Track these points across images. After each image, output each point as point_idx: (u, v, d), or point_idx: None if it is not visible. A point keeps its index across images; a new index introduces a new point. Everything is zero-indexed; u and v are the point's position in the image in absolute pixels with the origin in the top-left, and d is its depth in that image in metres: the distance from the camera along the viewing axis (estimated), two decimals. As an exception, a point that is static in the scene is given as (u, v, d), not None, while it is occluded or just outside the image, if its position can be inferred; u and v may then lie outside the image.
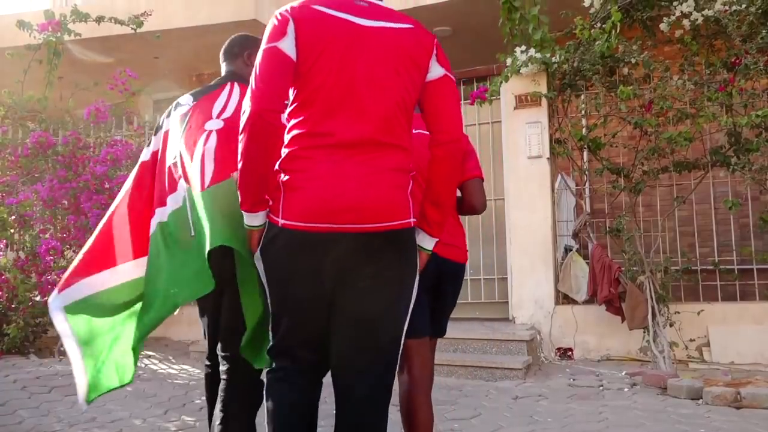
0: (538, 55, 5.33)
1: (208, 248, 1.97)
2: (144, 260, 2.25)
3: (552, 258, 5.41)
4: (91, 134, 6.70)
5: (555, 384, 4.47)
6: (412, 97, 1.86)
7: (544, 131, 5.48)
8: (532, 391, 4.26)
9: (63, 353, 5.64)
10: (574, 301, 5.39)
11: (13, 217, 6.02)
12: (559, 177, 5.93)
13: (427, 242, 1.93)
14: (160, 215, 2.25)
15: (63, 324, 2.26)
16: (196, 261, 2.03)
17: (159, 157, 2.41)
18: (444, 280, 2.39)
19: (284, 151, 1.81)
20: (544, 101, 5.47)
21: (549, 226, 5.43)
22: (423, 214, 1.90)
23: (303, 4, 1.83)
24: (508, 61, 5.48)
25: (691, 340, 5.02)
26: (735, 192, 5.39)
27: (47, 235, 6.01)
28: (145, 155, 2.48)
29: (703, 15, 4.92)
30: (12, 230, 6.17)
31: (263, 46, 1.80)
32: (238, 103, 2.27)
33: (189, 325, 6.58)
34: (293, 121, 1.83)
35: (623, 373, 4.64)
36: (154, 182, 2.37)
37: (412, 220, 1.84)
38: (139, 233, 2.33)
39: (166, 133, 2.45)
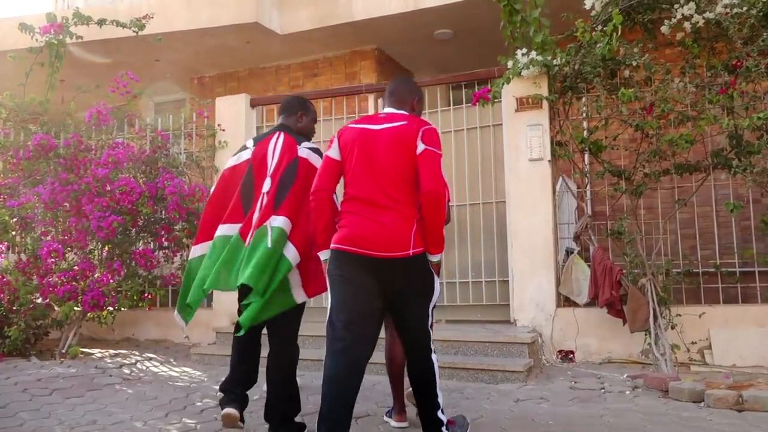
0: (539, 58, 5.34)
1: (241, 281, 3.08)
2: (197, 248, 3.44)
3: (553, 260, 5.41)
4: (92, 137, 6.71)
5: (556, 387, 4.46)
6: (409, 168, 2.90)
7: (545, 134, 5.48)
8: (533, 394, 4.25)
9: (64, 355, 5.65)
10: (575, 304, 5.39)
11: (15, 219, 6.02)
12: (560, 179, 5.92)
13: (432, 257, 2.93)
14: (222, 230, 3.32)
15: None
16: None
17: (235, 177, 3.41)
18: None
19: (341, 209, 3.01)
20: (545, 104, 5.47)
21: (550, 229, 5.43)
22: (426, 238, 2.88)
23: (345, 126, 3.11)
24: (509, 63, 5.48)
25: (692, 343, 5.02)
26: (736, 194, 5.38)
27: (49, 238, 6.02)
28: (229, 163, 3.50)
29: (704, 17, 4.92)
30: (13, 232, 6.17)
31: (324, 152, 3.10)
32: (282, 149, 3.34)
33: (190, 328, 6.58)
34: (344, 190, 3.01)
35: (625, 376, 4.64)
36: (225, 193, 3.41)
37: (411, 251, 2.83)
38: (205, 227, 3.44)
39: (244, 164, 3.42)
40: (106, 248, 6.06)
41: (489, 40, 7.44)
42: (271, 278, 3.08)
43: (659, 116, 5.01)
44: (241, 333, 3.06)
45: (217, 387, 4.54)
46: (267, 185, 3.25)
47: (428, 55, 9.20)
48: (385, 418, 3.69)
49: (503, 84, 5.50)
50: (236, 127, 6.61)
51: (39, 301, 5.77)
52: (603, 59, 5.12)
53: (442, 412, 2.97)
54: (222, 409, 3.38)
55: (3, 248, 6.43)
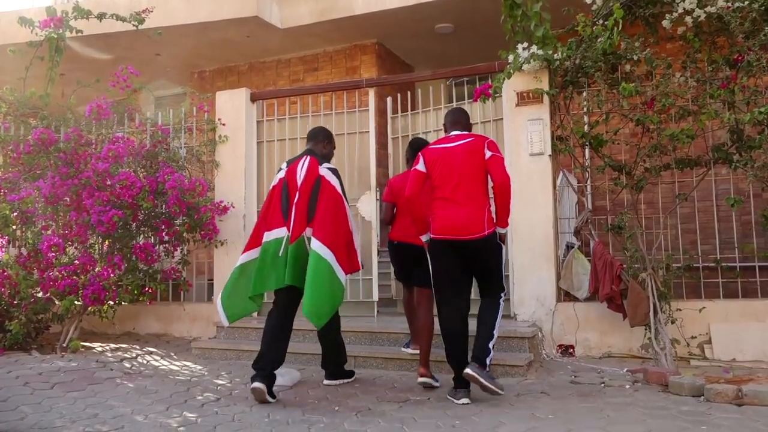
0: (540, 52, 5.32)
1: (287, 282, 4.01)
2: (246, 254, 4.30)
3: (554, 255, 5.41)
4: (92, 131, 6.71)
5: (556, 381, 4.47)
6: (480, 171, 3.97)
7: (545, 128, 5.48)
8: (533, 388, 4.26)
9: (65, 349, 5.66)
10: (575, 299, 5.40)
11: (15, 213, 6.02)
12: (561, 174, 5.92)
13: (501, 230, 4.00)
14: (269, 235, 4.17)
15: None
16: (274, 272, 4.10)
17: (274, 193, 4.29)
18: (410, 256, 4.60)
19: (431, 207, 4.05)
20: (545, 98, 5.46)
21: (550, 224, 5.43)
22: (498, 218, 3.99)
23: (427, 147, 4.25)
24: (510, 58, 5.47)
25: (692, 338, 5.03)
26: (737, 189, 5.38)
27: (49, 232, 6.02)
28: (273, 183, 4.41)
29: (705, 12, 4.90)
30: (14, 227, 6.18)
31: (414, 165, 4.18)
32: (307, 169, 4.25)
33: (191, 321, 6.61)
34: (433, 194, 4.05)
35: (624, 371, 4.64)
36: (269, 207, 4.28)
37: (486, 232, 3.90)
38: (252, 237, 4.36)
39: (279, 182, 4.31)
40: (107, 242, 6.06)
41: (490, 34, 7.43)
42: (304, 271, 4.00)
43: (660, 111, 5.01)
44: (320, 328, 4.07)
45: (218, 381, 4.62)
46: (296, 197, 4.19)
47: (429, 49, 9.18)
48: (403, 349, 4.93)
49: (504, 78, 5.49)
50: (236, 121, 6.60)
51: (40, 295, 5.78)
52: (604, 53, 5.11)
53: (492, 348, 3.92)
54: (252, 383, 4.01)
55: (4, 242, 6.44)
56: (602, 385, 4.31)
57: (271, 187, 4.42)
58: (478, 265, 3.99)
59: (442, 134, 5.79)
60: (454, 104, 6.17)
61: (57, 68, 6.81)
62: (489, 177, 3.96)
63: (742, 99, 4.86)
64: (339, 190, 4.25)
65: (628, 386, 4.24)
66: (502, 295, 4.06)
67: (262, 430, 3.49)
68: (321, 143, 4.51)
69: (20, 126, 6.72)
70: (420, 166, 4.08)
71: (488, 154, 3.95)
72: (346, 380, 4.53)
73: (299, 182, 4.22)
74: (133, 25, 6.88)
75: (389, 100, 6.61)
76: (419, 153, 4.17)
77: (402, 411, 3.81)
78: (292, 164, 4.35)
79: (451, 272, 3.99)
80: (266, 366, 4.04)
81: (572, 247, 5.58)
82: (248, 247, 4.32)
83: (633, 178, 5.24)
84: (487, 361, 3.89)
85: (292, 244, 4.04)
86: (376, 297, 6.03)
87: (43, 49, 6.63)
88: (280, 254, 4.06)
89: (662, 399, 3.89)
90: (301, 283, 3.96)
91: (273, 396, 4.05)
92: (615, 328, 5.16)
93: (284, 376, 4.59)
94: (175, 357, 5.65)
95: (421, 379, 4.29)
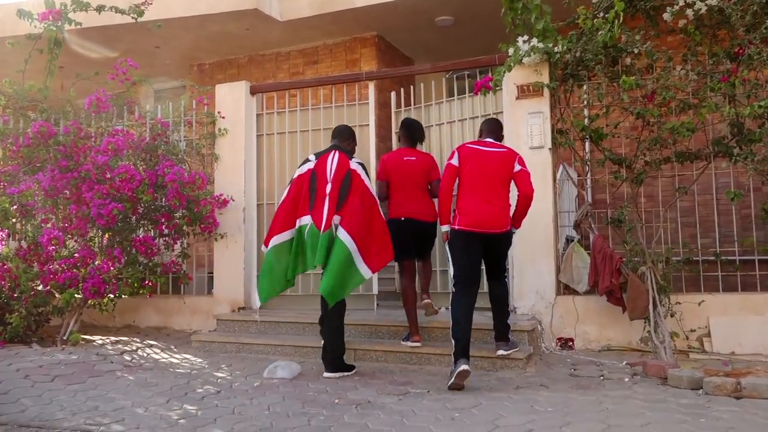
0: (541, 45, 5.31)
1: (316, 263, 4.40)
2: (274, 239, 4.57)
3: (553, 249, 5.42)
4: (92, 124, 6.70)
5: (555, 374, 4.48)
6: (507, 178, 4.47)
7: (546, 121, 5.47)
8: (532, 381, 4.27)
9: (65, 342, 5.68)
10: (575, 292, 5.40)
11: (15, 206, 6.02)
12: (561, 167, 5.92)
13: (515, 229, 4.62)
14: (300, 222, 4.54)
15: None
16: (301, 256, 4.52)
17: (300, 183, 4.61)
18: (416, 232, 5.00)
19: (455, 200, 4.47)
20: (546, 91, 5.45)
21: (550, 217, 5.43)
22: (514, 219, 4.56)
23: (462, 145, 4.62)
24: (510, 50, 5.45)
25: (691, 331, 5.04)
26: (737, 183, 5.38)
27: (49, 225, 6.03)
28: (298, 172, 4.70)
29: (706, 5, 4.88)
30: (14, 220, 6.18)
31: (448, 160, 4.54)
32: (338, 162, 4.60)
33: (191, 314, 6.62)
34: (459, 187, 4.44)
35: (624, 363, 4.66)
36: (297, 195, 4.59)
37: (508, 228, 4.47)
38: (281, 220, 4.59)
39: (308, 172, 4.63)
40: (107, 236, 6.06)
41: (490, 27, 7.42)
42: (332, 257, 4.38)
43: (660, 104, 5.00)
44: (331, 305, 4.42)
45: (218, 374, 4.67)
46: (329, 188, 4.52)
47: (429, 41, 9.16)
48: (403, 342, 5.02)
49: (504, 71, 5.47)
50: (236, 114, 6.59)
51: (40, 288, 5.78)
52: (604, 46, 5.10)
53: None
54: (325, 372, 4.59)
55: (4, 235, 6.44)
56: (601, 378, 4.32)
57: (296, 176, 4.69)
58: (495, 254, 4.57)
59: (444, 128, 5.96)
60: (456, 98, 6.15)
61: (56, 61, 6.78)
62: (515, 185, 4.49)
63: (743, 92, 4.85)
64: (368, 184, 4.61)
65: (627, 379, 4.26)
66: (507, 275, 4.88)
67: (262, 423, 3.50)
68: (346, 140, 4.88)
69: (19, 119, 6.71)
70: (454, 161, 4.47)
71: (518, 168, 4.46)
72: (346, 373, 4.59)
73: (330, 174, 4.56)
74: (132, 17, 6.85)
75: (393, 94, 6.60)
76: (455, 149, 4.57)
77: (402, 404, 3.82)
78: (321, 157, 4.68)
79: (474, 263, 4.42)
80: (331, 355, 4.60)
81: (572, 241, 5.58)
82: (275, 230, 4.59)
83: (633, 172, 5.24)
84: (510, 337, 4.67)
85: (325, 232, 4.40)
86: (375, 290, 6.04)
87: (42, 42, 6.61)
88: (305, 239, 4.45)
89: (661, 392, 3.90)
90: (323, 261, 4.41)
91: (347, 368, 4.65)
92: (614, 321, 5.17)
93: (284, 368, 4.60)
94: (175, 350, 5.66)
95: (426, 300, 5.04)
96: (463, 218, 4.35)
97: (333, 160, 4.60)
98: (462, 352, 4.13)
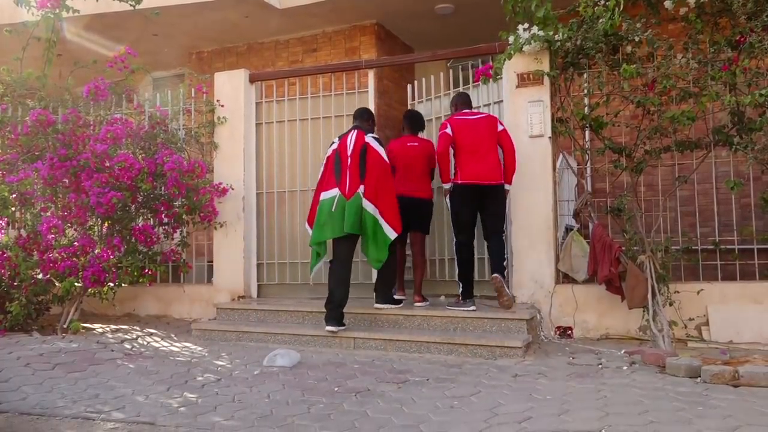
0: (541, 33, 5.28)
1: (345, 230, 4.99)
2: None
3: (553, 237, 5.42)
4: (90, 112, 6.67)
5: (554, 362, 4.50)
6: (494, 139, 5.18)
7: (546, 110, 5.45)
8: (531, 370, 4.29)
9: (65, 330, 5.69)
10: (574, 281, 5.41)
11: (14, 195, 6.02)
12: (561, 156, 5.90)
13: (507, 186, 5.25)
14: (324, 195, 5.21)
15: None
16: (333, 223, 5.08)
17: (328, 163, 5.29)
18: (414, 207, 5.58)
19: (453, 161, 5.31)
20: (546, 80, 5.43)
21: (550, 206, 5.42)
22: (506, 176, 5.22)
23: (452, 117, 5.40)
24: (511, 39, 5.43)
25: (690, 320, 5.05)
26: (737, 172, 5.37)
27: (48, 213, 6.02)
28: (326, 155, 5.41)
29: (708, -8, 4.86)
30: (13, 208, 6.17)
31: (441, 130, 5.32)
32: (356, 139, 5.24)
33: (191, 303, 6.63)
34: (456, 152, 5.24)
35: (622, 352, 4.67)
36: (325, 173, 5.30)
37: (501, 181, 5.18)
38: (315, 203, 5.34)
39: (333, 152, 5.30)
40: (106, 224, 6.06)
41: (490, 15, 7.37)
42: (361, 223, 5.03)
43: (661, 92, 4.98)
44: (379, 267, 5.18)
45: (218, 362, 4.67)
46: (349, 162, 5.14)
47: (429, 30, 9.10)
48: (395, 297, 5.53)
49: (504, 60, 5.45)
50: (235, 102, 6.57)
51: (40, 276, 5.79)
52: (605, 35, 5.07)
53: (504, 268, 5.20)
54: (326, 326, 5.10)
55: (3, 224, 6.43)
56: (600, 366, 4.34)
57: (325, 159, 5.36)
58: (491, 209, 5.18)
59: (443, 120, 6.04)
60: (461, 88, 6.15)
61: (54, 49, 6.75)
62: (500, 144, 5.17)
63: (744, 81, 4.83)
64: (383, 155, 5.18)
65: (625, 368, 4.27)
66: (504, 230, 5.39)
67: (262, 411, 3.51)
68: (366, 121, 5.48)
69: (18, 107, 6.69)
70: (448, 130, 5.19)
71: (500, 127, 5.21)
72: (394, 306, 5.34)
73: (349, 150, 5.19)
74: (131, 5, 6.81)
75: (409, 87, 6.59)
76: (445, 121, 5.32)
77: (401, 392, 3.84)
78: (343, 137, 5.33)
79: (471, 212, 5.18)
80: (336, 308, 5.09)
81: (571, 230, 5.58)
82: (316, 205, 5.26)
83: (633, 161, 5.23)
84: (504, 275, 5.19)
85: (349, 200, 5.01)
86: (374, 279, 6.04)
87: (40, 29, 6.57)
88: (333, 209, 5.04)
89: (659, 380, 3.92)
90: (357, 231, 5.02)
91: (343, 324, 5.16)
92: (613, 310, 5.18)
93: (284, 357, 4.62)
94: (175, 338, 5.68)
95: (420, 304, 5.49)
96: (464, 173, 5.12)
97: (352, 139, 5.24)
98: (466, 293, 5.15)
